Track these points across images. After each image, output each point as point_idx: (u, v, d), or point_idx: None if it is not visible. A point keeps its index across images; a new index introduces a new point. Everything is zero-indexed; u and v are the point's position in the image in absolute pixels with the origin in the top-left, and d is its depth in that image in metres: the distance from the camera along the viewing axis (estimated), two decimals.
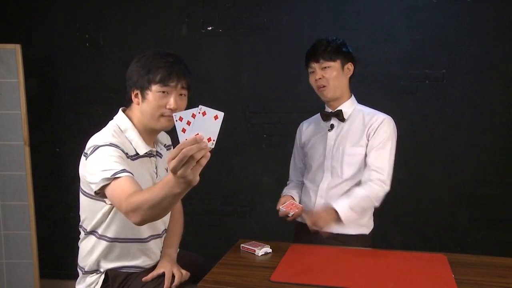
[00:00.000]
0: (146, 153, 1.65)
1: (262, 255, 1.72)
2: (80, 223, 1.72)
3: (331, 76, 1.96)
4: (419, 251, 1.77)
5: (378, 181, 1.90)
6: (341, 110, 2.02)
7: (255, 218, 2.98)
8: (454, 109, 2.70)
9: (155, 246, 1.73)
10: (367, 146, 1.97)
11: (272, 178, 2.94)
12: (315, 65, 1.98)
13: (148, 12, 2.97)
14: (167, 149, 1.84)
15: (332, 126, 2.05)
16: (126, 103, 1.69)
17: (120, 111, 1.68)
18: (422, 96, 2.72)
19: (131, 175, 1.45)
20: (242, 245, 1.78)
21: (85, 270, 1.69)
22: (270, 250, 1.74)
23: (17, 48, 2.75)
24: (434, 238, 2.77)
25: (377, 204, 1.94)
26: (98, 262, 1.66)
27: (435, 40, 2.67)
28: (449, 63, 2.68)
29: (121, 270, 1.66)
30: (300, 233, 2.10)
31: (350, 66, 2.01)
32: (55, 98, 3.12)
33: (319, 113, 2.12)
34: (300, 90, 2.85)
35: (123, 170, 1.44)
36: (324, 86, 1.97)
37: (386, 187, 1.92)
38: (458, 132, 2.71)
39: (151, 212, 1.33)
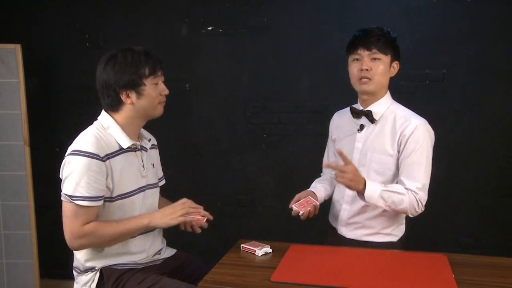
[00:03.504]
0: (130, 147, 1.69)
1: (262, 255, 1.72)
2: None
3: (378, 71, 1.80)
4: (419, 251, 1.77)
5: (416, 197, 1.78)
6: (371, 111, 1.87)
7: (255, 218, 2.98)
8: (454, 109, 2.70)
9: (147, 240, 1.74)
10: (397, 155, 1.82)
11: (272, 178, 2.94)
12: (364, 53, 1.79)
13: (148, 12, 2.97)
14: (155, 148, 1.92)
15: (362, 127, 1.90)
16: (109, 108, 1.70)
17: (103, 111, 1.72)
18: (422, 96, 2.72)
19: (92, 203, 1.57)
20: (242, 245, 1.78)
21: (80, 269, 1.70)
22: (270, 250, 1.74)
23: (17, 48, 2.75)
24: (434, 238, 2.77)
25: (409, 213, 1.81)
26: (90, 261, 1.67)
27: (435, 40, 2.67)
28: (449, 63, 2.68)
29: (116, 268, 1.67)
30: (330, 236, 2.04)
31: (395, 65, 1.86)
32: (55, 98, 3.12)
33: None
34: (300, 90, 2.85)
35: (87, 198, 1.56)
36: (368, 79, 1.81)
37: (420, 206, 1.79)
38: (458, 132, 2.70)
39: (99, 242, 1.62)
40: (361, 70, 1.81)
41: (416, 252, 1.75)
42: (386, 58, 1.81)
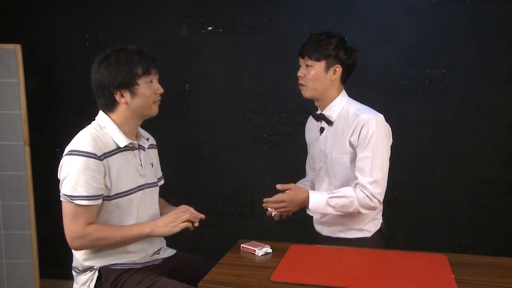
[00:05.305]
0: (127, 146, 1.69)
1: (262, 255, 1.72)
2: None
3: (310, 77, 1.86)
4: (419, 251, 1.77)
5: (366, 193, 1.79)
6: (323, 114, 1.93)
7: (255, 218, 2.98)
8: (454, 109, 2.70)
9: (145, 240, 1.73)
10: (353, 152, 1.85)
11: (272, 178, 2.92)
12: (301, 61, 1.90)
13: (148, 12, 2.97)
14: (154, 148, 1.92)
15: (322, 130, 1.96)
16: (105, 108, 1.71)
17: (100, 111, 1.73)
18: (422, 96, 2.72)
19: (91, 202, 1.57)
20: (242, 245, 1.78)
21: (79, 269, 1.71)
22: (270, 250, 1.74)
23: (17, 48, 2.75)
24: (434, 238, 2.77)
25: (363, 211, 1.82)
26: (88, 261, 1.67)
27: (435, 40, 2.67)
28: (449, 63, 2.68)
29: (114, 267, 1.67)
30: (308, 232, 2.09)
31: (337, 69, 1.86)
32: (55, 98, 3.12)
33: None
34: (300, 90, 2.85)
35: (86, 197, 1.56)
36: (302, 85, 1.90)
37: (375, 201, 1.79)
38: (458, 132, 2.70)
39: (99, 245, 1.62)
40: (298, 76, 1.91)
41: (416, 252, 1.75)
42: (318, 64, 1.85)
